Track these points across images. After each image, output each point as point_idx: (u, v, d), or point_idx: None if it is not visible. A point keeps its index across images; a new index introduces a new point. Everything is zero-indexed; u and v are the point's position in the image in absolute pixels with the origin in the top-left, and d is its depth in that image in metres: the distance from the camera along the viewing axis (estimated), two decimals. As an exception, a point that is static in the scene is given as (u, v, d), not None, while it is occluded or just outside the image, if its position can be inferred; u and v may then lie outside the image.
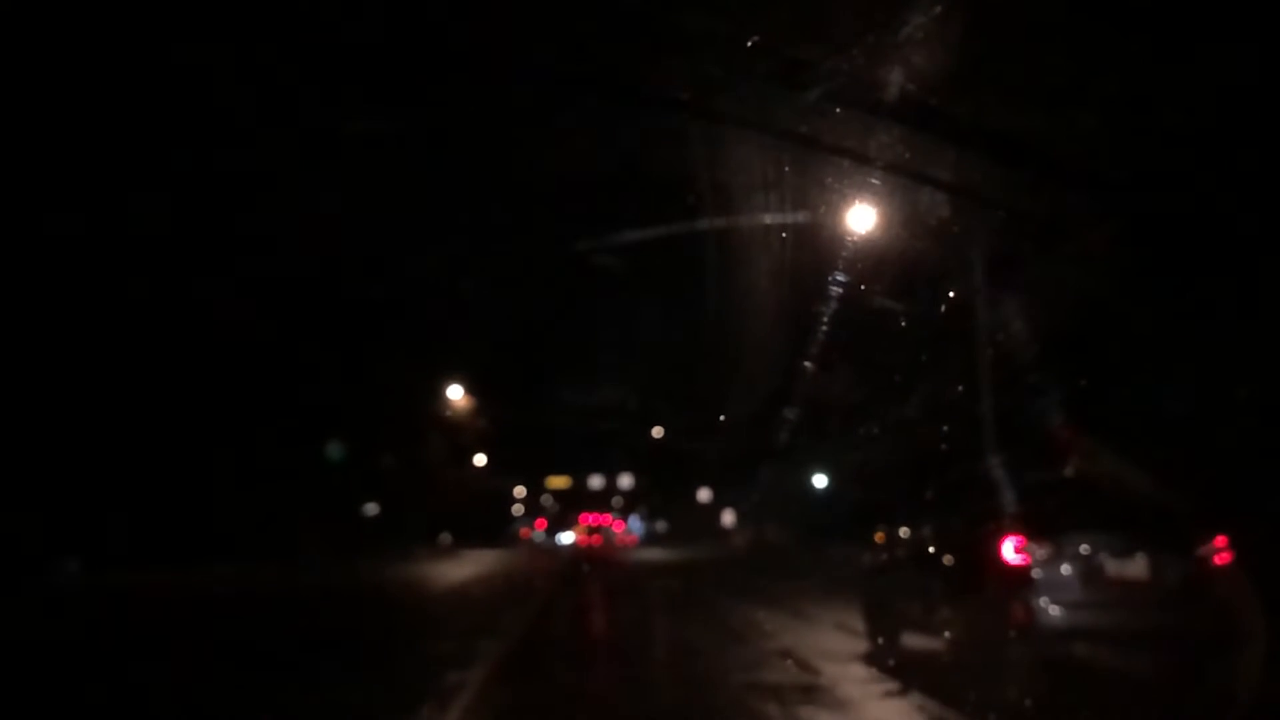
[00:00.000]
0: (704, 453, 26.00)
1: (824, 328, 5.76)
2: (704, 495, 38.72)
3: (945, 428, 6.76)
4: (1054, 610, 5.88)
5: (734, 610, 10.56)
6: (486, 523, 43.45)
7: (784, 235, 5.09)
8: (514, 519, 53.47)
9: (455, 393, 33.18)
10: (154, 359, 20.39)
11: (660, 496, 46.74)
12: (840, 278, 5.10)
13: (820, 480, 23.21)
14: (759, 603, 11.04)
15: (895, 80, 4.11)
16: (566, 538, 50.49)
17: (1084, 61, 4.61)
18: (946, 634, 6.68)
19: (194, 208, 16.82)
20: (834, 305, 5.39)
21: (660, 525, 49.81)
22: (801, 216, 4.95)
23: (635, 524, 51.22)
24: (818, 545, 20.72)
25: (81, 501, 19.03)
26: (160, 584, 16.58)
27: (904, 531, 17.55)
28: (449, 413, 34.43)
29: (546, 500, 55.08)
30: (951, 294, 5.31)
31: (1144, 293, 5.54)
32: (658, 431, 35.16)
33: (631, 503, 51.50)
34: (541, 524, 54.93)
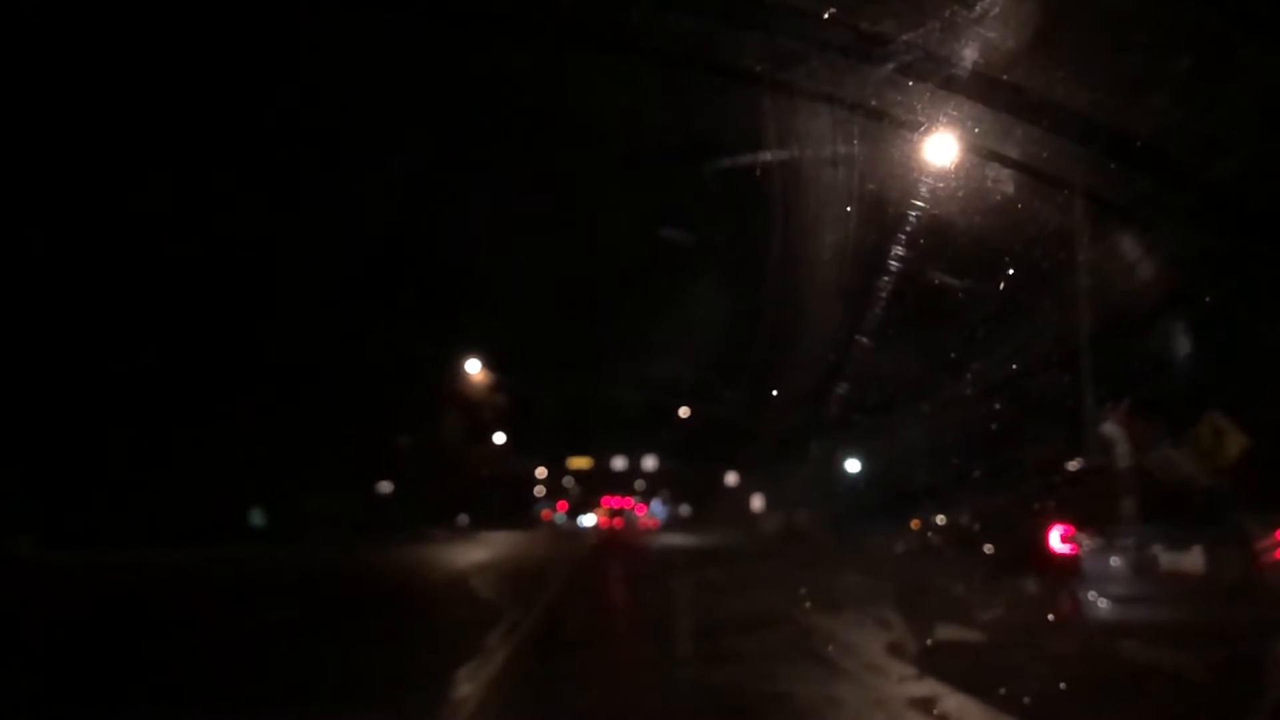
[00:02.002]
0: (752, 428, 26.00)
1: (882, 303, 6.00)
2: (731, 479, 39.02)
3: (996, 406, 6.93)
4: (1102, 603, 5.89)
5: (803, 618, 8.85)
6: (506, 504, 44.04)
7: (848, 209, 5.34)
8: (536, 501, 54.40)
9: (474, 366, 33.39)
10: (152, 319, 20.29)
11: (686, 479, 47.09)
12: (901, 252, 5.34)
13: (857, 464, 23.37)
14: (827, 607, 9.56)
15: (967, 55, 4.34)
16: (588, 520, 51.69)
17: (1156, 37, 4.79)
18: (985, 628, 6.72)
19: (198, 160, 17.06)
20: (894, 280, 5.63)
21: (684, 509, 50.31)
22: (867, 191, 5.20)
23: (657, 508, 51.98)
24: (856, 533, 20.72)
25: (54, 475, 18.60)
26: (113, 565, 15.32)
27: (940, 519, 17.58)
28: (471, 388, 34.81)
29: (568, 482, 55.93)
30: (1011, 271, 5.55)
31: (1209, 277, 5.72)
32: (684, 411, 35.44)
33: (654, 486, 52.11)
34: (563, 506, 56.15)
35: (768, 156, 5.25)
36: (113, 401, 20.19)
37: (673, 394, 27.90)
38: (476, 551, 23.59)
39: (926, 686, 5.49)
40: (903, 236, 5.23)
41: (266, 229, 20.81)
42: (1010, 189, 4.90)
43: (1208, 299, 5.34)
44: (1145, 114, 4.62)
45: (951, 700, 5.12)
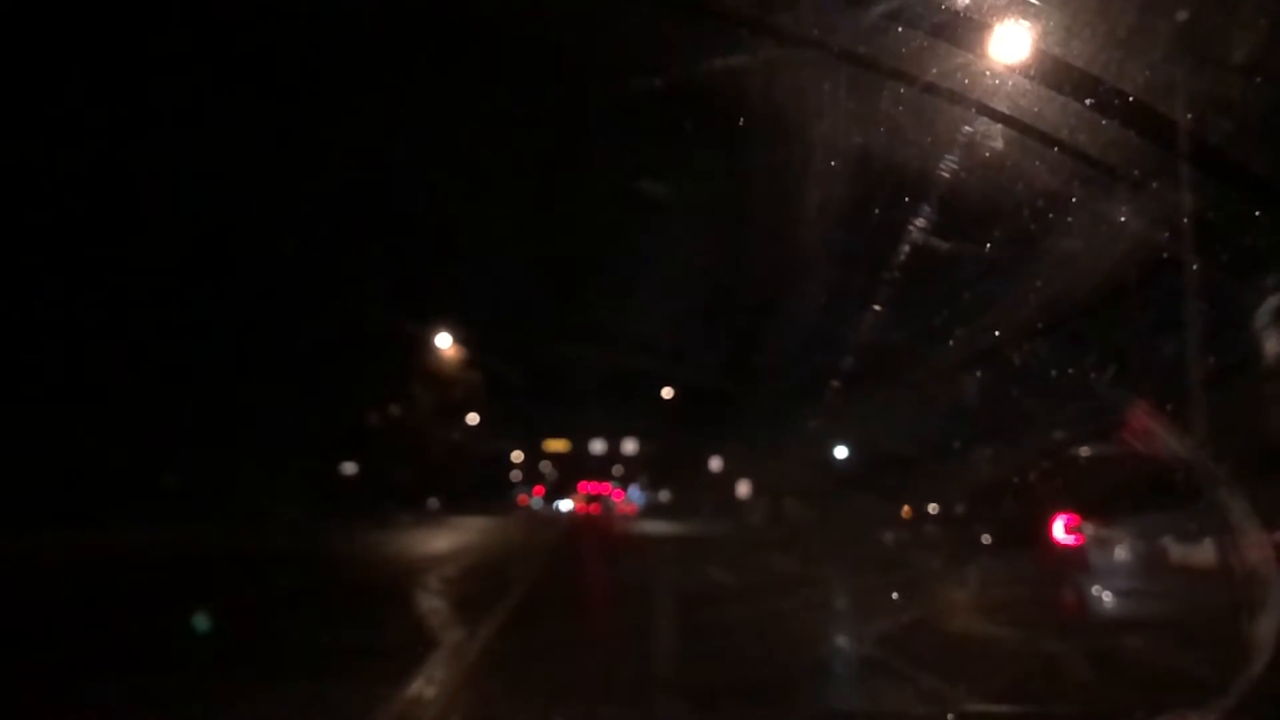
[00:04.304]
0: (736, 394, 25.99)
1: (868, 265, 6.10)
2: (715, 464, 39.37)
3: (979, 373, 6.99)
4: (1107, 597, 6.02)
5: (783, 609, 8.24)
6: (479, 487, 44.15)
7: (832, 163, 5.44)
8: (511, 485, 54.97)
9: (445, 341, 33.21)
10: (101, 293, 19.97)
11: (668, 463, 47.45)
12: (886, 211, 5.44)
13: (845, 450, 23.65)
14: (812, 602, 8.69)
15: (959, 1, 4.44)
16: (565, 505, 52.46)
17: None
18: (974, 621, 6.79)
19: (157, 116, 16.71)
20: (879, 240, 5.73)
21: (663, 495, 50.84)
22: (853, 144, 5.29)
23: (635, 493, 52.68)
24: (845, 521, 20.83)
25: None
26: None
27: (933, 507, 17.76)
28: (442, 364, 34.72)
29: (546, 468, 56.48)
30: (998, 232, 5.66)
31: (1201, 245, 5.86)
32: (668, 392, 35.61)
33: (635, 470, 52.62)
34: (539, 491, 57.08)
35: (751, 106, 5.33)
36: (51, 375, 19.79)
37: (653, 358, 27.57)
38: (440, 539, 23.05)
39: (892, 669, 5.59)
40: (888, 193, 5.33)
41: (223, 191, 20.40)
42: (999, 145, 5.01)
43: (1195, 266, 5.48)
44: (1141, 68, 4.72)
45: (911, 679, 5.26)
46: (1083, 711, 4.53)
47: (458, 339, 33.41)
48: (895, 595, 8.65)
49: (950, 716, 4.56)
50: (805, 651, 6.37)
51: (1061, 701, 4.82)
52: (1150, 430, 5.77)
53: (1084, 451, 7.57)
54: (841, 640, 7.15)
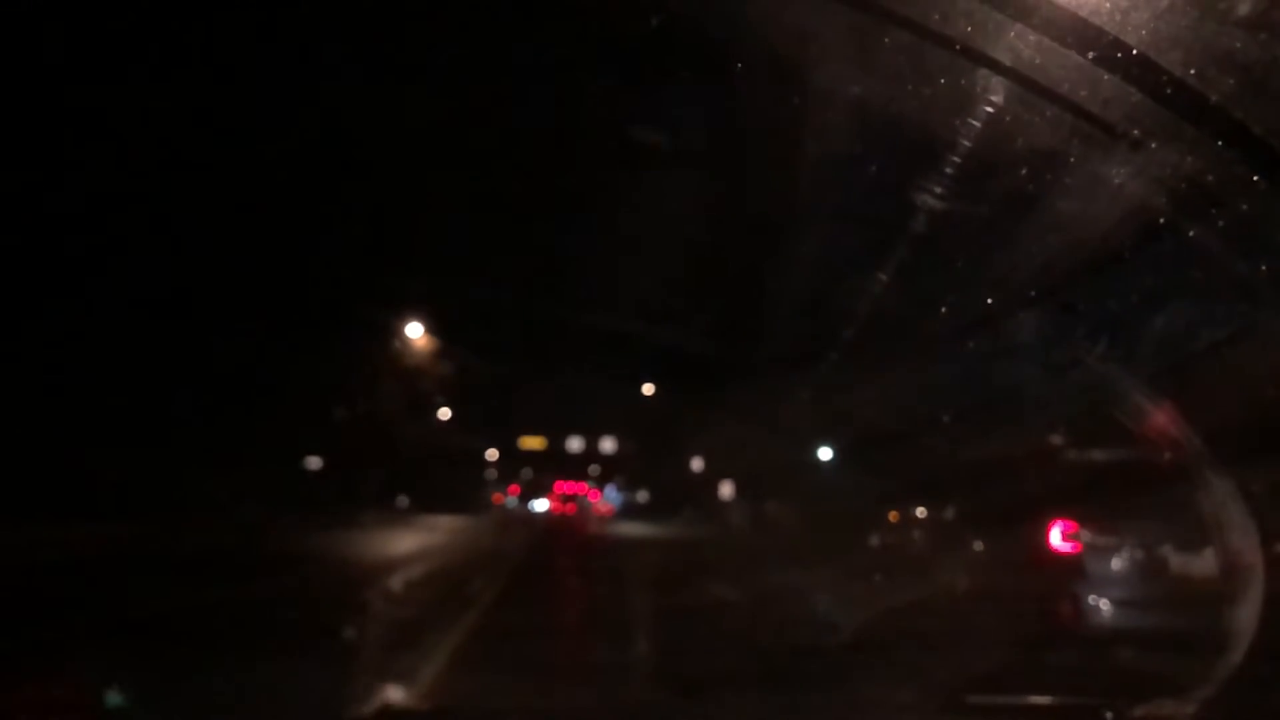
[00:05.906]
0: (720, 370, 25.72)
1: (860, 226, 6.10)
2: (697, 464, 39.55)
3: (970, 345, 6.96)
4: (1105, 608, 6.01)
5: (758, 614, 8.27)
6: (452, 486, 43.97)
7: (829, 115, 5.45)
8: (486, 483, 55.19)
9: (415, 330, 32.87)
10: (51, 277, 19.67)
11: (646, 463, 47.53)
12: (882, 169, 5.44)
13: (830, 452, 23.74)
14: (792, 610, 8.69)
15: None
16: (540, 505, 52.93)
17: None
18: (958, 628, 6.71)
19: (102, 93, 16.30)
20: (872, 200, 5.74)
21: (641, 495, 51.01)
22: (851, 95, 5.30)
23: (611, 494, 52.95)
24: (830, 524, 20.86)
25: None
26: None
27: (921, 511, 17.88)
28: (412, 355, 34.49)
29: (522, 468, 56.74)
30: (994, 193, 5.68)
31: (1198, 210, 5.90)
32: (649, 389, 35.62)
33: (613, 469, 52.80)
34: (515, 490, 57.54)
35: (748, 52, 5.31)
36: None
37: (636, 320, 26.63)
38: (404, 541, 22.63)
39: (875, 662, 5.71)
40: (884, 149, 5.35)
41: (177, 175, 19.91)
42: (999, 97, 5.03)
43: (1192, 232, 5.49)
44: (1145, 18, 4.76)
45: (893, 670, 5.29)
46: (1063, 702, 4.59)
47: (429, 329, 33.16)
48: (878, 577, 8.70)
49: (930, 705, 4.64)
50: (790, 644, 6.39)
51: (1043, 693, 4.88)
52: (1160, 421, 5.78)
53: (1082, 456, 7.59)
54: (826, 633, 7.19)
